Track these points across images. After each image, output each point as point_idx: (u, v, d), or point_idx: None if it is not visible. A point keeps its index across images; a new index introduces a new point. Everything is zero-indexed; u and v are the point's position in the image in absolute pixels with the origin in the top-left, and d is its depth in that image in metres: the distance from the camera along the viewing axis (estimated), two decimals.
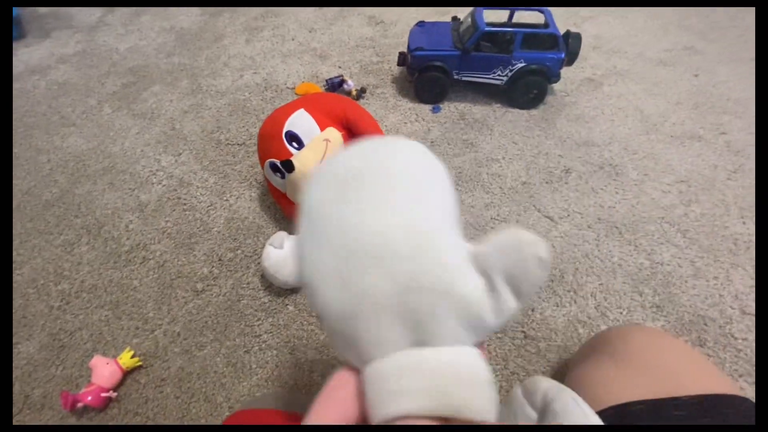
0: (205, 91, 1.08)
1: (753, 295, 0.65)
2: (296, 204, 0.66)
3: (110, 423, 0.55)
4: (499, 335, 0.61)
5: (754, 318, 0.62)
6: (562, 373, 0.57)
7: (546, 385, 0.29)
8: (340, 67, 1.14)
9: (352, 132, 0.69)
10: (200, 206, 0.80)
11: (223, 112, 1.02)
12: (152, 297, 0.67)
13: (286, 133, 0.63)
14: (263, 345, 0.62)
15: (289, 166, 0.60)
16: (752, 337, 0.60)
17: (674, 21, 1.31)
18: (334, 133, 0.64)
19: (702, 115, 0.98)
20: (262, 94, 1.06)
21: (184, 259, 0.72)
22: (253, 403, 0.48)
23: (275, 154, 0.64)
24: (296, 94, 1.05)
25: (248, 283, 0.68)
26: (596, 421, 0.26)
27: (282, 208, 0.75)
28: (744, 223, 0.76)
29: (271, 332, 0.63)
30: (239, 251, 0.73)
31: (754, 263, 0.69)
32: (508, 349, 0.60)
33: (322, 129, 0.64)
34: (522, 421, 0.30)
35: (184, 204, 0.81)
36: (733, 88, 1.07)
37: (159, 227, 0.77)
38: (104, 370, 0.56)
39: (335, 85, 1.03)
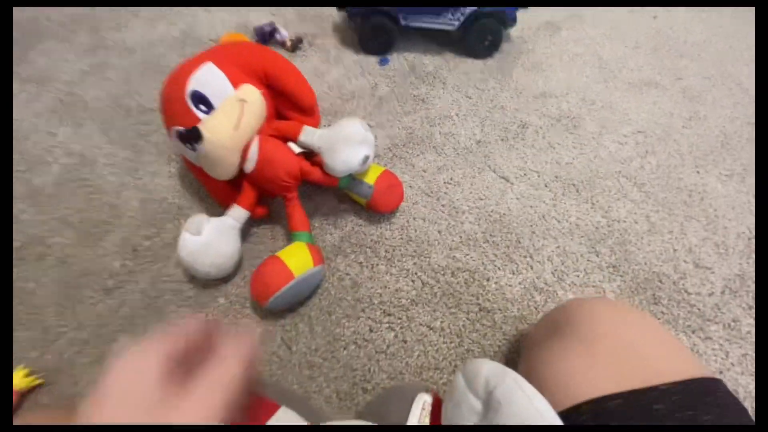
0: (109, 47, 0.91)
1: (706, 248, 0.64)
2: (217, 179, 0.57)
3: None
4: (452, 310, 0.57)
5: (707, 271, 0.61)
6: (519, 345, 0.54)
7: (486, 369, 0.26)
8: (273, 14, 0.99)
9: (274, 89, 0.58)
10: (108, 187, 0.68)
11: (132, 72, 0.86)
12: (52, 300, 0.57)
13: (192, 93, 0.52)
14: None
15: (196, 135, 0.50)
16: (705, 290, 0.59)
17: None
18: (251, 92, 0.53)
19: (660, 60, 0.94)
20: (181, 50, 0.91)
21: (91, 253, 0.61)
22: None
23: (180, 120, 0.52)
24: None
25: (170, 276, 0.59)
26: (541, 403, 0.24)
27: (203, 184, 0.65)
28: (698, 173, 0.74)
29: None
30: (157, 239, 0.63)
31: (707, 214, 0.68)
32: (462, 324, 0.56)
33: (236, 87, 0.53)
34: (467, 414, 0.27)
35: (89, 186, 0.69)
36: (690, 30, 1.03)
37: (58, 216, 0.65)
38: None
39: (266, 35, 0.89)
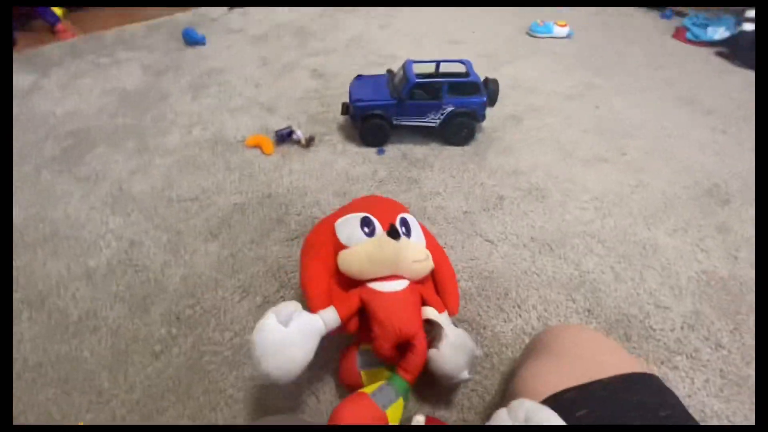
0: (152, 149, 1.09)
1: (664, 291, 0.76)
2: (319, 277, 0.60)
3: None
4: None
5: (667, 310, 0.73)
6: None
7: (528, 404, 0.35)
8: (288, 118, 1.21)
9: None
10: (153, 266, 0.80)
11: (172, 169, 1.03)
12: (106, 366, 0.65)
13: (401, 219, 0.64)
14: (229, 400, 0.61)
15: (395, 233, 0.59)
16: (667, 326, 0.70)
17: (575, 62, 1.54)
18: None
19: (606, 140, 1.15)
20: (213, 149, 1.09)
21: (139, 322, 0.71)
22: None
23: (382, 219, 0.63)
24: (247, 146, 1.09)
25: (209, 339, 0.68)
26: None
27: (307, 272, 0.62)
28: (649, 229, 0.89)
29: (236, 386, 0.63)
30: (198, 307, 0.73)
31: (660, 263, 0.81)
32: None
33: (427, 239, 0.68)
34: None
35: (136, 265, 0.80)
36: (628, 116, 1.26)
37: (110, 292, 0.75)
38: None
39: (284, 136, 1.09)
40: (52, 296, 0.75)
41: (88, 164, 1.04)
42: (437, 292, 0.64)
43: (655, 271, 0.80)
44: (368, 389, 0.54)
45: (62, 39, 1.64)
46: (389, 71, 1.13)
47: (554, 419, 0.33)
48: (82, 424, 0.57)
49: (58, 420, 0.59)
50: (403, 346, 0.57)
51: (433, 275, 0.65)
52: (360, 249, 0.60)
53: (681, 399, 0.40)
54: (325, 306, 0.56)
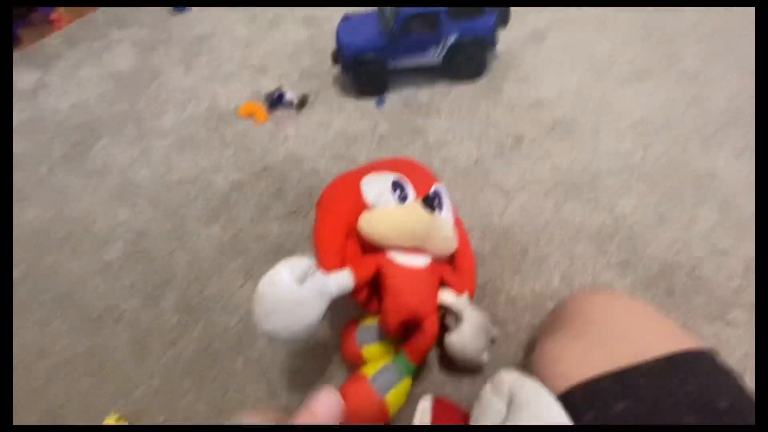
0: (150, 133, 1.07)
1: (721, 231, 0.63)
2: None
3: None
4: None
5: (725, 255, 0.61)
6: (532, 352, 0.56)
7: (510, 377, 0.31)
8: (280, 77, 1.12)
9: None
10: (161, 255, 0.80)
11: (171, 151, 1.01)
12: (130, 356, 0.68)
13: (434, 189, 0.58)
14: (240, 383, 0.62)
15: (431, 203, 0.53)
16: (723, 275, 0.59)
17: None
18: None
19: (652, 48, 0.94)
20: (207, 124, 1.05)
21: (153, 312, 0.72)
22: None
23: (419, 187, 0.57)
24: (239, 115, 1.03)
25: (216, 324, 0.68)
26: (557, 406, 0.28)
27: (322, 229, 0.56)
28: (707, 154, 0.73)
29: (245, 370, 0.63)
30: (205, 292, 0.73)
31: (719, 196, 0.67)
32: None
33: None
34: (492, 415, 0.31)
35: (147, 256, 0.81)
36: (679, 14, 1.01)
37: (126, 284, 0.78)
38: None
39: (275, 100, 1.01)
40: (77, 293, 0.79)
41: (94, 158, 1.05)
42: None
43: (712, 207, 0.66)
44: (370, 370, 0.51)
45: (58, 28, 1.61)
46: (379, 6, 0.97)
47: (544, 396, 0.28)
48: (115, 418, 0.62)
49: (97, 406, 0.64)
50: (411, 326, 0.52)
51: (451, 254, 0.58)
52: (389, 213, 0.53)
53: (738, 362, 0.31)
54: (336, 266, 0.51)
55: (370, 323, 0.56)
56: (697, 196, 0.68)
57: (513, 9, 0.90)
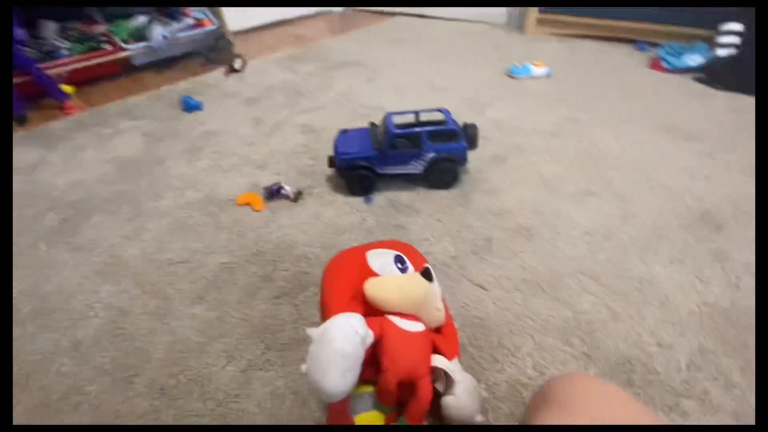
0: (146, 214, 1.12)
1: (664, 327, 0.72)
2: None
3: None
4: None
5: (670, 349, 0.69)
6: None
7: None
8: (278, 174, 1.24)
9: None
10: (140, 334, 0.79)
11: (164, 232, 1.05)
12: None
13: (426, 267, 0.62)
14: None
15: (428, 275, 0.59)
16: (672, 367, 0.66)
17: (555, 100, 1.59)
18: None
19: (591, 174, 1.16)
20: (204, 209, 1.12)
21: (122, 396, 0.68)
22: None
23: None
24: (237, 204, 1.12)
25: (190, 410, 0.66)
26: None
27: (334, 289, 0.64)
28: (643, 262, 0.87)
29: None
30: (181, 376, 0.71)
31: (658, 298, 0.78)
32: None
33: None
34: None
35: (122, 334, 0.79)
36: (611, 147, 1.28)
37: (95, 365, 0.74)
38: None
39: (274, 192, 1.12)
40: (37, 373, 0.74)
41: (83, 233, 1.07)
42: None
43: (654, 306, 0.77)
44: None
45: (70, 114, 1.74)
46: (372, 124, 1.17)
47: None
48: None
49: None
50: (406, 389, 0.56)
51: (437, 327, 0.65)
52: (393, 279, 0.61)
53: None
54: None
55: (363, 392, 0.58)
56: (641, 298, 0.79)
57: (479, 136, 1.12)
